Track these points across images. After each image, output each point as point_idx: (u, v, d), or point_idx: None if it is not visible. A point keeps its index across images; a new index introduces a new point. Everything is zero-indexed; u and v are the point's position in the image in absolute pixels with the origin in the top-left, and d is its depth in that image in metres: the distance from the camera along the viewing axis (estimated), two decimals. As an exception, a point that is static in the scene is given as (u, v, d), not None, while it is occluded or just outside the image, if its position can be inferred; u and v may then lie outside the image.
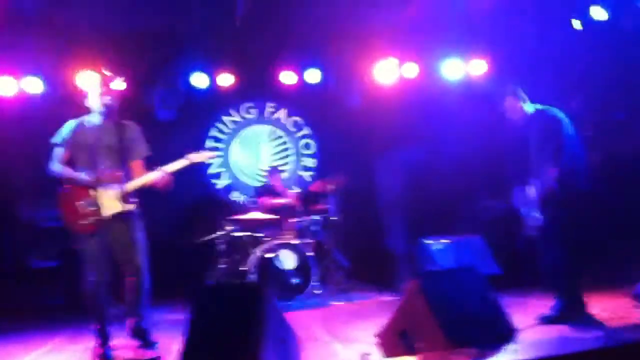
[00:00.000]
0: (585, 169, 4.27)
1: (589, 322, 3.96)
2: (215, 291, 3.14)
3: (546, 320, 4.07)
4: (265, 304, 2.72)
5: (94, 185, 3.99)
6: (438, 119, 7.20)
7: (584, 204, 4.31)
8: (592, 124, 5.81)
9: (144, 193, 4.33)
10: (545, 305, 4.58)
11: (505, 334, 2.78)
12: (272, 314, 2.80)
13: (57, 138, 4.23)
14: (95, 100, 4.16)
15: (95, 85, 4.22)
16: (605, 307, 4.34)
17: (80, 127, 4.22)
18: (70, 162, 4.23)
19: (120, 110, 4.29)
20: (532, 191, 4.31)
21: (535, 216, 4.29)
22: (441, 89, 7.42)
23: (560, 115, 4.30)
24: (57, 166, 4.20)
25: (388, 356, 3.01)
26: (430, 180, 7.31)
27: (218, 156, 7.89)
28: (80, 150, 4.18)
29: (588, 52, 6.30)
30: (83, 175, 4.09)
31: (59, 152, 4.22)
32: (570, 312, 4.08)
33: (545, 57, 6.47)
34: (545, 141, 4.19)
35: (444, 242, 6.14)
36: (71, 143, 4.18)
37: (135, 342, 4.24)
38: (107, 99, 4.11)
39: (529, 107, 4.45)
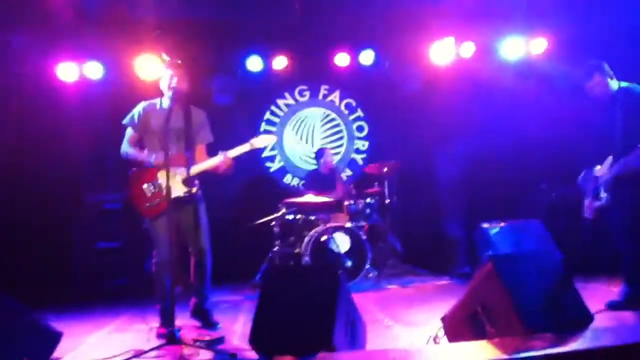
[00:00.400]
0: None
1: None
2: (287, 272, 3.16)
3: (614, 306, 3.95)
4: (339, 287, 2.71)
5: (161, 168, 4.07)
6: (496, 101, 7.00)
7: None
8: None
9: (202, 176, 4.41)
10: (609, 291, 4.46)
11: (582, 320, 2.69)
12: (344, 297, 2.80)
13: (127, 119, 4.33)
14: (165, 84, 4.23)
15: (164, 70, 4.27)
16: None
17: (150, 110, 4.30)
18: (139, 144, 4.34)
19: (187, 96, 4.35)
20: (604, 170, 4.12)
21: (601, 197, 4.12)
22: (500, 69, 7.21)
23: None
24: (127, 147, 4.31)
25: (455, 340, 2.97)
26: (489, 165, 7.13)
27: (271, 131, 7.92)
28: (150, 133, 4.27)
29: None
30: (151, 159, 4.18)
31: (129, 134, 4.33)
32: (638, 298, 3.93)
33: (612, 36, 6.18)
34: (631, 120, 3.96)
35: (502, 226, 5.99)
36: (141, 125, 4.27)
37: (197, 323, 4.35)
38: (175, 83, 4.15)
39: (614, 84, 4.18)
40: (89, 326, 4.68)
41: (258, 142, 4.34)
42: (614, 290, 4.21)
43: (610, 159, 4.11)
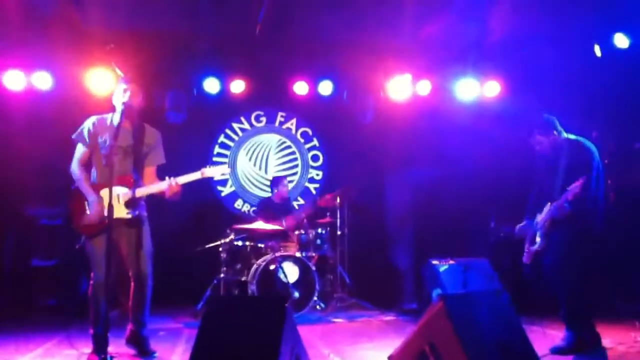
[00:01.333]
0: (601, 214, 4.15)
1: (604, 356, 3.85)
2: (231, 301, 3.00)
3: (558, 351, 3.96)
4: (285, 319, 2.59)
5: (104, 186, 3.87)
6: (451, 138, 7.11)
7: (591, 239, 4.20)
8: (608, 152, 5.71)
9: (148, 197, 4.23)
10: (552, 335, 4.49)
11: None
12: (289, 330, 2.67)
13: (77, 134, 4.12)
14: (117, 98, 4.04)
15: (117, 84, 4.11)
16: (619, 341, 4.22)
17: (100, 125, 4.11)
18: (88, 163, 4.14)
19: (140, 113, 4.19)
20: (542, 216, 4.21)
21: (536, 242, 4.20)
22: (454, 108, 7.35)
23: (593, 149, 4.17)
24: (76, 168, 4.07)
25: (403, 381, 2.89)
26: (440, 199, 7.22)
27: (224, 162, 7.78)
28: (96, 148, 4.08)
29: (606, 80, 6.22)
30: (91, 192, 3.96)
31: (80, 151, 4.11)
32: (583, 344, 3.96)
33: (562, 82, 6.40)
34: (574, 172, 4.03)
35: (450, 263, 6.02)
36: (90, 141, 4.08)
37: (132, 350, 4.12)
38: (129, 98, 3.98)
39: (560, 136, 4.29)
40: (15, 350, 4.36)
41: (210, 172, 4.19)
42: (557, 334, 4.23)
43: (548, 205, 4.19)
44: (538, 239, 4.23)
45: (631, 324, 4.65)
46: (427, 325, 2.83)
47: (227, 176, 7.78)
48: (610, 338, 4.28)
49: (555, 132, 4.27)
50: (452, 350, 2.58)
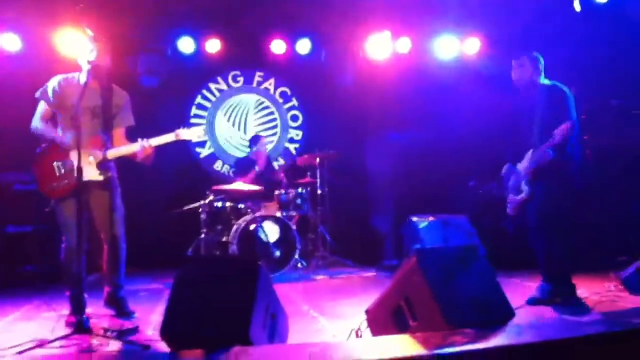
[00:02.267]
0: (578, 165, 4.15)
1: (580, 305, 3.92)
2: (204, 262, 2.98)
3: (534, 301, 4.01)
4: (258, 278, 2.58)
5: (73, 148, 3.78)
6: (431, 97, 7.08)
7: (572, 191, 4.23)
8: (585, 109, 5.71)
9: (124, 159, 4.16)
10: (530, 286, 4.55)
11: (504, 316, 2.69)
12: (264, 289, 2.67)
13: (40, 92, 4.01)
14: (83, 58, 3.88)
15: (84, 43, 3.96)
16: (593, 291, 4.30)
17: (66, 84, 3.99)
18: (52, 121, 4.03)
19: (108, 74, 4.07)
20: (524, 164, 4.20)
21: (522, 190, 4.20)
22: (435, 66, 7.29)
23: (571, 96, 4.13)
24: (38, 123, 3.97)
25: (378, 334, 2.91)
26: (421, 160, 7.21)
27: (202, 124, 7.67)
28: (63, 109, 3.96)
29: (586, 36, 6.18)
30: (63, 138, 3.89)
31: (41, 108, 4.00)
32: (558, 294, 4.02)
33: (542, 38, 6.34)
34: (553, 117, 4.02)
35: (430, 220, 6.06)
36: (55, 100, 3.96)
37: (111, 312, 4.11)
38: (96, 58, 3.85)
39: (541, 79, 4.23)
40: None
41: (184, 134, 4.10)
42: (533, 286, 4.29)
43: (530, 152, 4.18)
44: (525, 187, 4.19)
45: (606, 275, 4.73)
46: (402, 279, 2.84)
47: (205, 138, 7.68)
48: (585, 288, 4.35)
49: (538, 71, 4.21)
50: (426, 304, 2.60)
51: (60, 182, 3.86)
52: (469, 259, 2.87)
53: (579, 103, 4.29)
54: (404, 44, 7.24)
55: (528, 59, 4.22)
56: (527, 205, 4.21)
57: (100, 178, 3.93)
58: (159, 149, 4.08)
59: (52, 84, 4.00)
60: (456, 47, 7.26)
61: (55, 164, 3.89)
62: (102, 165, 3.94)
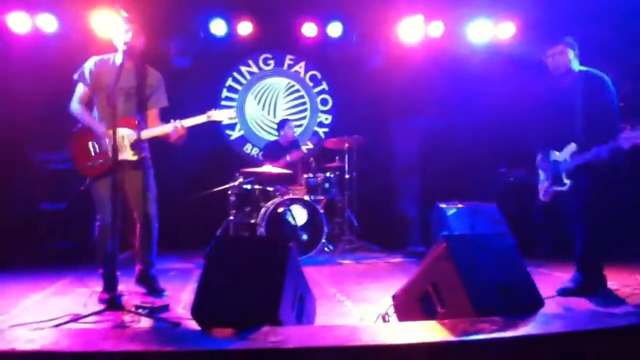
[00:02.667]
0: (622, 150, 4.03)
1: (611, 297, 3.86)
2: (234, 243, 3.01)
3: (565, 292, 3.96)
4: (288, 259, 2.61)
5: (108, 129, 3.85)
6: (462, 82, 6.98)
7: (618, 178, 4.13)
8: (623, 95, 5.57)
9: (156, 141, 4.23)
10: (559, 277, 4.50)
11: (533, 305, 2.67)
12: (293, 271, 2.70)
13: (77, 74, 4.10)
14: (119, 39, 3.95)
15: (119, 24, 4.02)
16: (624, 283, 4.24)
17: (102, 65, 4.07)
18: (89, 100, 4.12)
19: (142, 54, 4.13)
20: (566, 156, 4.10)
21: (564, 182, 4.12)
22: (467, 51, 7.17)
23: (611, 83, 4.00)
24: (77, 105, 4.06)
25: (405, 319, 2.92)
26: (449, 145, 7.14)
27: (232, 106, 7.72)
28: (99, 89, 4.05)
29: (624, 20, 6.00)
30: (99, 126, 3.96)
31: (80, 90, 4.09)
32: (589, 285, 3.97)
33: (579, 22, 6.18)
34: (599, 109, 3.91)
35: (458, 207, 6.02)
36: (92, 81, 4.05)
37: (143, 289, 4.21)
38: (131, 39, 3.89)
39: (577, 66, 4.12)
40: (26, 289, 4.43)
41: (216, 115, 4.13)
42: (564, 276, 4.24)
43: (572, 145, 4.06)
44: (567, 181, 4.10)
45: (637, 267, 4.65)
46: (430, 265, 2.84)
47: (235, 120, 7.73)
48: (616, 280, 4.28)
49: (575, 57, 4.10)
50: (454, 291, 2.60)
51: (96, 161, 3.95)
52: (499, 247, 2.85)
53: (618, 89, 4.18)
54: (437, 28, 7.14)
55: (565, 46, 4.10)
56: (571, 196, 4.12)
57: (134, 158, 4.00)
58: (190, 131, 4.13)
59: (89, 65, 4.08)
60: (490, 31, 7.13)
61: (90, 143, 3.98)
62: (136, 146, 4.01)
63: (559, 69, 4.14)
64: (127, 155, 3.97)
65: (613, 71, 4.34)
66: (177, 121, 4.03)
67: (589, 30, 6.00)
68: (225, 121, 4.83)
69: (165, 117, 4.20)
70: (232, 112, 4.26)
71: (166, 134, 4.05)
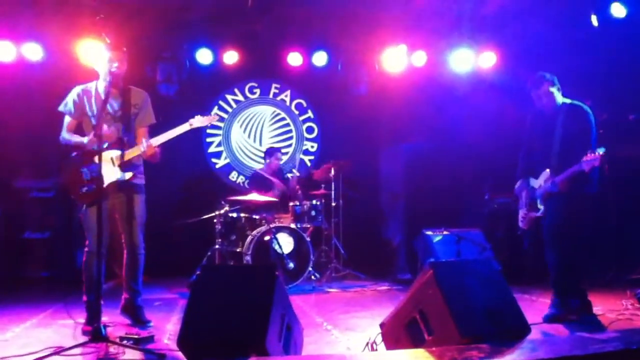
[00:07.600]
0: (596, 176, 4.13)
1: (596, 323, 3.89)
2: (220, 271, 3.00)
3: (551, 319, 3.98)
4: (275, 288, 2.60)
5: (98, 149, 3.82)
6: (445, 109, 7.07)
7: (589, 205, 4.22)
8: (602, 123, 5.68)
9: (146, 167, 4.23)
10: (545, 303, 4.52)
11: (520, 331, 2.68)
12: (280, 300, 2.68)
13: (62, 106, 4.14)
14: (101, 67, 4.01)
15: (101, 52, 4.05)
16: (610, 308, 4.27)
17: (85, 94, 4.11)
18: (77, 128, 4.14)
19: (124, 79, 4.16)
20: (540, 182, 4.21)
21: (538, 207, 4.21)
22: (450, 79, 7.28)
23: (592, 115, 4.13)
24: (65, 134, 4.11)
25: (393, 347, 2.91)
26: (434, 172, 7.18)
27: (218, 135, 7.78)
28: (84, 116, 4.08)
29: (603, 50, 6.16)
30: (84, 140, 3.98)
31: (67, 121, 4.13)
32: (572, 309, 4.00)
33: (559, 52, 6.33)
34: (575, 137, 4.03)
35: (444, 234, 6.05)
36: (77, 111, 4.08)
37: (127, 320, 4.14)
38: (114, 66, 3.94)
39: (560, 98, 4.24)
40: (7, 320, 4.34)
41: (198, 121, 4.17)
42: (546, 302, 4.26)
43: (547, 172, 4.18)
44: (540, 207, 4.21)
45: (622, 292, 4.69)
46: (417, 292, 2.84)
47: (222, 148, 7.72)
48: (602, 305, 4.31)
49: (558, 90, 4.21)
50: (441, 317, 2.60)
51: (90, 186, 3.94)
52: (485, 273, 2.86)
53: (597, 117, 4.28)
54: (420, 57, 7.26)
55: (547, 85, 4.19)
56: (542, 221, 4.21)
57: (126, 177, 4.01)
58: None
59: (72, 96, 4.12)
60: (472, 60, 7.27)
61: (82, 169, 3.98)
62: (125, 167, 4.02)
63: (548, 106, 4.24)
64: (118, 175, 3.98)
65: (590, 100, 4.46)
66: (147, 140, 4.03)
67: (568, 60, 6.17)
68: (213, 123, 4.75)
69: (153, 136, 4.19)
70: (213, 117, 4.32)
71: (143, 153, 4.04)
